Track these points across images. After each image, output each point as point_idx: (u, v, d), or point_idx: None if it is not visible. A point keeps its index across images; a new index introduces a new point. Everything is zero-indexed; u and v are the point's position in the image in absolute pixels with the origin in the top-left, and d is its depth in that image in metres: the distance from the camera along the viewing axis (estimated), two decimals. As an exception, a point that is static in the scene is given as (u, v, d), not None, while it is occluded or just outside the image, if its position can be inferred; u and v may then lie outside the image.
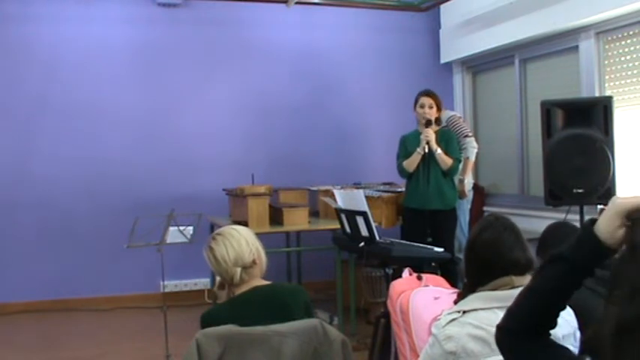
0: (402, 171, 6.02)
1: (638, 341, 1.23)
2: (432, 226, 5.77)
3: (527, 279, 2.31)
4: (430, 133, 5.81)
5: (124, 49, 7.45)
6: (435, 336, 2.34)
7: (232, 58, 7.79)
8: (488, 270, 2.36)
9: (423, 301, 3.21)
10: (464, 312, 2.31)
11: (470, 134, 6.77)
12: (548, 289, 1.58)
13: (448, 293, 3.21)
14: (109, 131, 7.37)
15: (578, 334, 2.38)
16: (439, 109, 6.03)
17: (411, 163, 5.89)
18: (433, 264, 4.65)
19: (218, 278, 3.07)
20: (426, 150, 5.79)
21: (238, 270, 2.87)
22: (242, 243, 2.91)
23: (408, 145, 6.02)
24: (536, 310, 1.61)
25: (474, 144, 6.70)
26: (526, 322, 1.61)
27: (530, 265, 2.41)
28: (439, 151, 5.79)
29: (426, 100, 5.95)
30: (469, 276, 2.46)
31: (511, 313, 1.65)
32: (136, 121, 7.43)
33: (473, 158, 6.72)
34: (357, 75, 8.29)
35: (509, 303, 1.71)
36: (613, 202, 1.51)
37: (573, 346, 2.25)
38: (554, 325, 1.62)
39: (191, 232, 5.58)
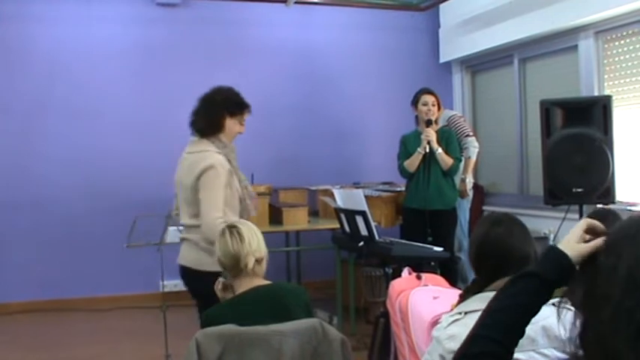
0: (403, 171, 6.03)
1: None
2: (433, 225, 5.77)
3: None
4: (431, 133, 5.81)
5: (123, 49, 7.45)
6: (436, 338, 2.34)
7: (232, 57, 7.79)
8: (501, 266, 2.35)
9: (422, 300, 3.21)
10: (465, 313, 2.30)
11: (471, 134, 6.77)
12: (516, 304, 1.57)
13: (447, 292, 3.22)
14: (109, 131, 7.37)
15: None
16: (440, 108, 6.04)
17: (412, 163, 5.89)
18: (432, 263, 4.66)
19: (221, 279, 3.07)
20: (427, 150, 5.79)
21: (252, 260, 2.90)
22: (258, 235, 2.98)
23: (408, 145, 6.02)
24: (505, 329, 1.57)
25: (475, 143, 6.70)
26: (495, 344, 1.56)
27: (536, 261, 2.41)
28: (439, 150, 5.80)
29: (429, 98, 5.95)
30: (481, 274, 2.44)
31: (475, 337, 1.60)
32: (135, 120, 7.43)
33: (474, 158, 6.72)
34: (357, 74, 8.29)
35: None
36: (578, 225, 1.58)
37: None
38: (515, 345, 1.59)
39: (190, 231, 5.58)
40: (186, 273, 4.00)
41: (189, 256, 3.96)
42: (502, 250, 2.36)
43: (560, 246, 1.56)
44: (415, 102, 6.07)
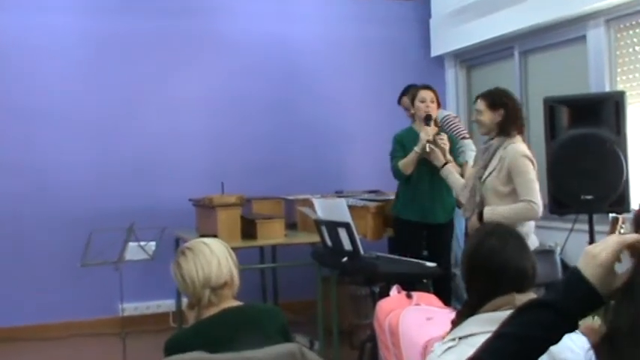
0: (397, 172, 5.96)
1: None
2: (429, 238, 5.78)
3: (530, 297, 2.29)
4: (430, 132, 5.68)
5: (74, 41, 7.38)
6: (430, 368, 2.32)
7: (200, 52, 7.76)
8: (494, 282, 2.33)
9: (415, 321, 3.20)
10: (459, 339, 2.28)
11: (467, 136, 6.78)
12: (532, 336, 1.54)
13: (442, 313, 3.21)
14: (58, 135, 7.28)
15: None
16: (439, 106, 6.04)
17: (408, 164, 5.83)
18: (425, 280, 4.66)
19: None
20: (427, 149, 5.62)
21: (207, 292, 2.85)
22: (213, 262, 2.89)
23: (406, 142, 5.96)
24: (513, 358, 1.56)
25: (473, 146, 6.69)
26: None
27: (534, 278, 2.40)
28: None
29: (428, 94, 5.92)
30: (472, 292, 2.43)
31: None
32: (89, 123, 7.36)
33: (472, 162, 6.72)
34: (339, 71, 8.29)
35: None
36: (586, 252, 1.53)
37: None
38: None
39: (153, 247, 5.55)
40: None
41: None
42: (495, 265, 2.35)
43: (587, 269, 1.51)
44: (410, 99, 6.06)
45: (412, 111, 6.09)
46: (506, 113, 4.88)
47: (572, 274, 1.52)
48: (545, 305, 1.53)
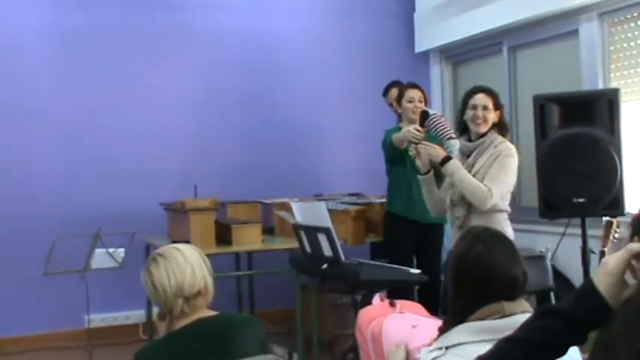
0: (390, 146, 5.91)
1: None
2: (419, 240, 5.79)
3: (520, 305, 2.30)
4: (417, 135, 5.22)
5: (40, 35, 7.30)
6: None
7: (173, 46, 7.72)
8: (482, 291, 2.33)
9: (399, 329, 3.20)
10: (446, 348, 2.28)
11: (454, 136, 6.76)
12: (541, 342, 1.58)
13: (428, 322, 3.21)
14: (20, 134, 7.20)
15: None
16: (426, 105, 6.05)
17: (402, 139, 5.67)
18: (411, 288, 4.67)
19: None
20: (412, 151, 5.49)
21: (179, 301, 2.83)
22: (186, 270, 2.87)
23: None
24: None
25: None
26: None
27: (525, 285, 2.40)
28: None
29: (416, 94, 5.97)
30: (458, 301, 2.43)
31: None
32: (53, 121, 7.29)
33: None
34: (320, 67, 8.29)
35: (500, 335, 1.71)
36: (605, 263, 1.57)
37: None
38: None
39: (122, 254, 5.54)
40: None
41: None
42: (484, 271, 2.35)
43: (598, 278, 1.54)
44: (396, 97, 6.06)
45: (399, 110, 6.11)
46: (502, 115, 4.94)
47: (586, 283, 1.57)
48: (556, 313, 1.57)
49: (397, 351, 2.97)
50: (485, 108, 4.88)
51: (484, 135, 4.89)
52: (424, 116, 5.30)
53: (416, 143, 5.07)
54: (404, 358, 2.89)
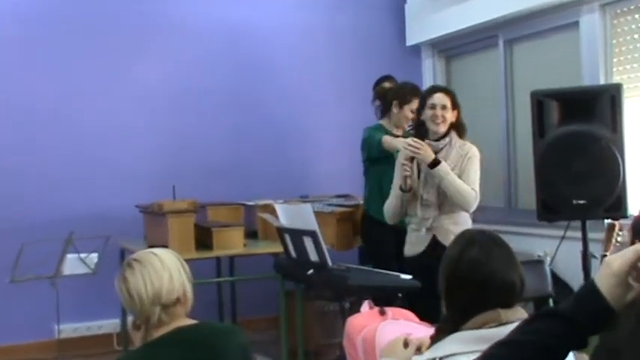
0: (377, 147, 5.86)
1: None
2: (400, 245, 5.79)
3: (517, 313, 2.30)
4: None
5: (4, 24, 7.27)
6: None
7: (148, 39, 7.69)
8: (477, 298, 2.32)
9: (394, 336, 3.19)
10: (440, 359, 2.28)
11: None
12: (540, 345, 1.57)
13: (423, 330, 3.20)
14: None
15: None
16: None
17: (394, 148, 5.66)
18: (400, 294, 4.66)
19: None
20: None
21: (157, 309, 2.81)
22: (164, 276, 2.84)
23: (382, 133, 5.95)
24: None
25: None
26: None
27: (522, 291, 2.40)
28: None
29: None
30: (451, 308, 2.42)
31: None
32: (20, 117, 7.24)
33: None
34: (306, 62, 8.28)
35: None
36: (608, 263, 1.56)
37: None
38: None
39: (95, 260, 5.52)
40: None
41: None
42: (479, 277, 2.34)
43: (601, 279, 1.53)
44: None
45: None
46: (459, 115, 5.18)
47: (587, 284, 1.56)
48: (556, 315, 1.57)
49: (396, 342, 2.96)
50: (443, 107, 5.07)
51: (445, 135, 5.11)
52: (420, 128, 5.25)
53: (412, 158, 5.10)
54: (407, 349, 2.87)
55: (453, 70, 8.46)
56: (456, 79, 8.37)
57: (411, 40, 8.49)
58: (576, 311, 1.54)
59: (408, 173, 5.08)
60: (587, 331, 1.53)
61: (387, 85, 6.48)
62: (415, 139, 5.08)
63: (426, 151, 5.02)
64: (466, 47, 8.07)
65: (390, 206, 5.32)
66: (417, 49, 8.62)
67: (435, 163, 4.97)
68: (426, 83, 8.45)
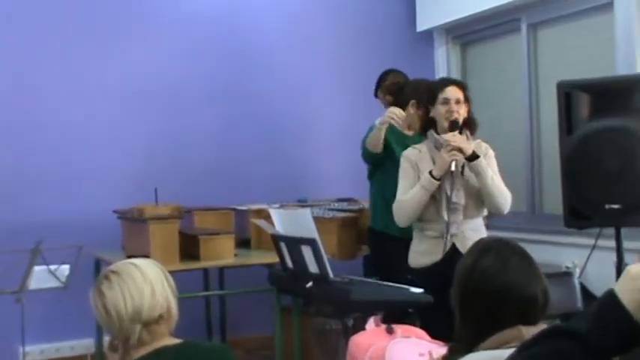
0: (368, 155, 5.94)
1: None
2: None
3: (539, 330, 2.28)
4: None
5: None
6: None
7: (127, 28, 7.68)
8: (494, 313, 2.31)
9: (406, 355, 3.19)
10: (455, 383, 2.27)
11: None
12: None
13: (436, 348, 3.20)
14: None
15: None
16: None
17: (375, 140, 5.71)
18: (410, 310, 4.66)
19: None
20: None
21: (137, 327, 2.81)
22: (145, 290, 2.85)
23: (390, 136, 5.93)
24: None
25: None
26: None
27: (546, 307, 2.38)
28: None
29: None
30: (466, 325, 2.41)
31: None
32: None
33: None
34: (304, 51, 8.30)
35: None
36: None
37: None
38: None
39: (66, 272, 5.50)
40: None
41: None
42: (491, 288, 2.33)
43: (625, 293, 1.49)
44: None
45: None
46: (469, 110, 5.19)
47: (606, 297, 1.50)
48: (569, 334, 1.51)
49: None
50: (457, 102, 5.06)
51: (459, 133, 5.09)
52: (455, 124, 5.15)
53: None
54: None
55: (469, 58, 8.47)
56: (472, 69, 8.38)
57: (422, 25, 8.50)
58: (594, 328, 1.48)
59: (456, 158, 4.98)
60: (607, 351, 1.48)
61: (395, 80, 6.44)
62: (400, 109, 5.37)
63: (463, 143, 5.00)
64: (484, 32, 8.08)
65: (407, 202, 5.14)
66: (428, 35, 8.63)
67: (475, 156, 4.97)
68: (439, 74, 8.47)
